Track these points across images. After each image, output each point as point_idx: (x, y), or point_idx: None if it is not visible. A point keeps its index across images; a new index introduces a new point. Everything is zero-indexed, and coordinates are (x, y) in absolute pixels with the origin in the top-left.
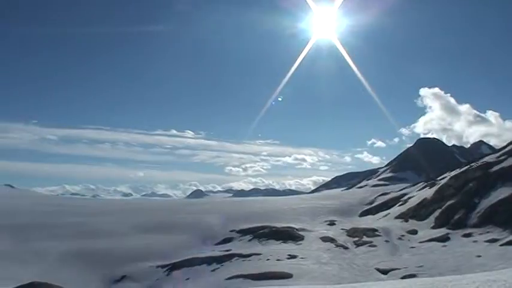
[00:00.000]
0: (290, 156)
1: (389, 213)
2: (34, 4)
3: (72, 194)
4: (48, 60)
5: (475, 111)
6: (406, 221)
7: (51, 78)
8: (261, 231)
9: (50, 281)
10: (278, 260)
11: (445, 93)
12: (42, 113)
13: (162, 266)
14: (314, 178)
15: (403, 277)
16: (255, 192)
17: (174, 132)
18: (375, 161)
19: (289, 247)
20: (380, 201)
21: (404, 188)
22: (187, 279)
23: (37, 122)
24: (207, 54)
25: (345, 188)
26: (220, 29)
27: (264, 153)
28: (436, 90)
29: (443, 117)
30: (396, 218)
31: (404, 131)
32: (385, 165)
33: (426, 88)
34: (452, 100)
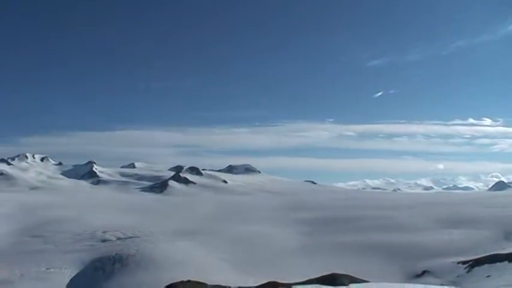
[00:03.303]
0: None
1: None
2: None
3: (373, 188)
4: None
5: None
6: None
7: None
8: None
9: (349, 272)
10: None
11: None
12: (338, 111)
13: (463, 262)
14: None
15: None
16: None
17: (471, 121)
18: None
19: None
20: None
21: None
22: (488, 276)
23: (334, 120)
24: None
25: None
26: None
27: None
28: None
29: None
30: None
31: None
32: None
33: None
34: None
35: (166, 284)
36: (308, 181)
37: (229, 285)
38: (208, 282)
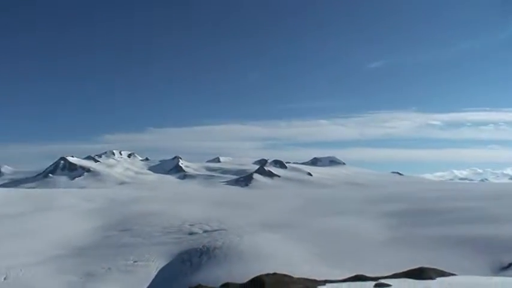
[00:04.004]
0: None
1: None
2: None
3: (460, 178)
4: None
5: None
6: None
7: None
8: None
9: (436, 266)
10: None
11: None
12: (423, 99)
13: None
14: None
15: None
16: None
17: None
18: None
19: None
20: None
21: None
22: None
23: (417, 108)
24: None
25: None
26: None
27: None
28: None
29: None
30: None
31: None
32: None
33: None
34: None
35: (253, 276)
36: (394, 172)
37: (315, 278)
38: (294, 275)
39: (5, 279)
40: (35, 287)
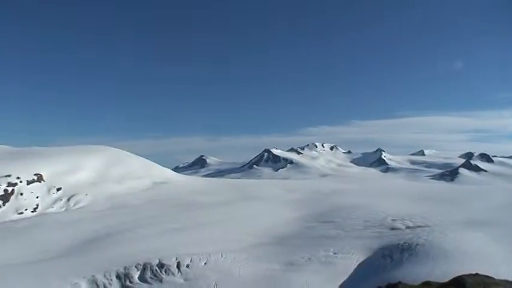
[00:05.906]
0: None
1: None
2: None
3: None
4: None
5: None
6: None
7: None
8: None
9: None
10: None
11: None
12: None
13: None
14: None
15: None
16: None
17: None
18: None
19: None
20: None
21: None
22: None
23: None
24: None
25: None
26: None
27: None
28: None
29: None
30: None
31: None
32: None
33: None
34: None
35: (455, 275)
36: None
37: None
38: (496, 276)
39: (205, 263)
40: (233, 272)
